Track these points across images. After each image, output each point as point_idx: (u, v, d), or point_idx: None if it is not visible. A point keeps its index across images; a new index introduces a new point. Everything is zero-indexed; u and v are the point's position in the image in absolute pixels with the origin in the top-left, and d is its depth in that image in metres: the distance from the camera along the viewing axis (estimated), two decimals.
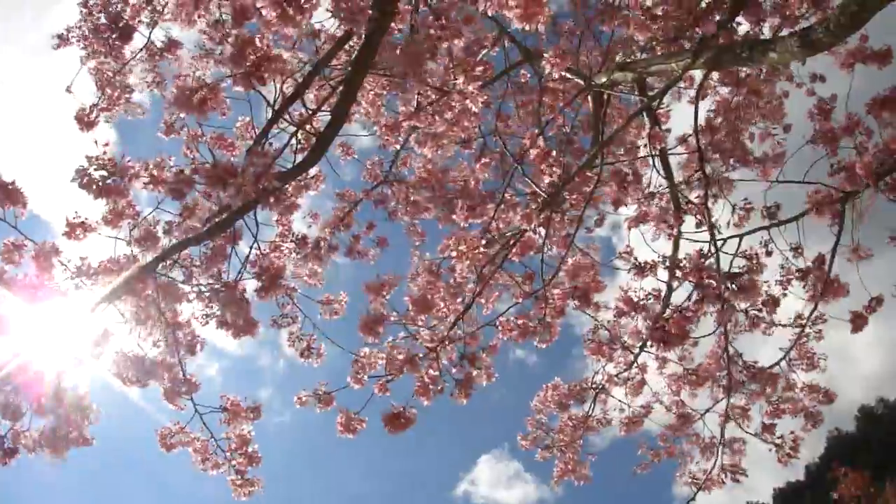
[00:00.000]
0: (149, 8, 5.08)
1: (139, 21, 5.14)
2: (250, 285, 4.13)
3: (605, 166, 5.83)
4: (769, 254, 6.20)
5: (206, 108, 3.39)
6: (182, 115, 5.62)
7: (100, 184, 3.32)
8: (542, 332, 5.85)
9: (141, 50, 5.31)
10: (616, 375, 7.02)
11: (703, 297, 5.59)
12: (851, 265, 6.03)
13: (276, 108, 4.52)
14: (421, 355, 5.41)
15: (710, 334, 6.30)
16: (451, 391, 5.42)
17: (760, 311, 5.77)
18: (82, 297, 3.43)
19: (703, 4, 5.55)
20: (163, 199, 3.50)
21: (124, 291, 3.38)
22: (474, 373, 5.58)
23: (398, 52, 3.59)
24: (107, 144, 3.43)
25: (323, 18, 5.32)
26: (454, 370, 5.49)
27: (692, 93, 7.04)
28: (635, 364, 6.99)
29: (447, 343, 5.54)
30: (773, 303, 5.92)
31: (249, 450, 4.86)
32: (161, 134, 5.74)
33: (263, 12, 3.14)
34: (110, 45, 5.34)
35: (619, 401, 7.18)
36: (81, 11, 5.33)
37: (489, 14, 4.62)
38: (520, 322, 5.84)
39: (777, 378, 6.40)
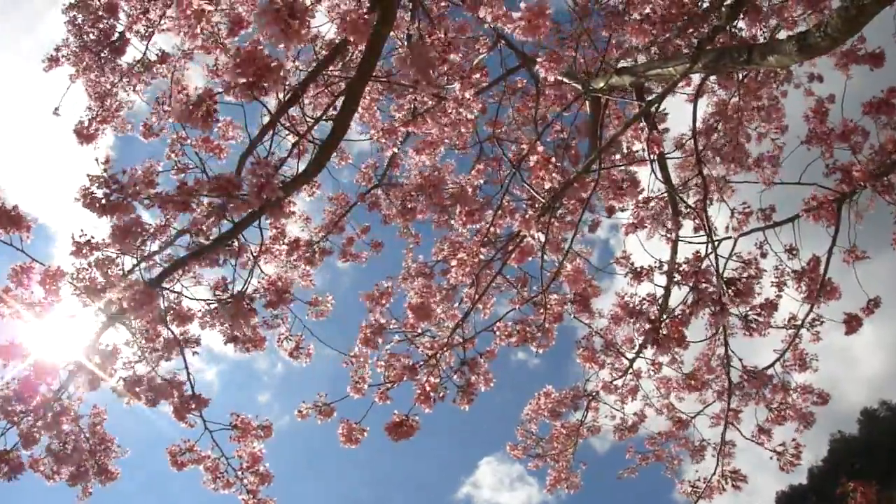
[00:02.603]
0: (144, 20, 5.03)
1: (135, 32, 5.09)
2: (251, 288, 4.09)
3: (602, 171, 5.82)
4: (764, 255, 6.22)
5: (209, 122, 3.33)
6: (170, 121, 5.62)
7: (103, 202, 3.27)
8: (540, 337, 5.83)
9: (136, 63, 5.28)
10: (611, 382, 7.04)
11: (700, 300, 5.59)
12: (848, 267, 6.05)
13: (273, 113, 4.48)
14: (420, 363, 5.38)
15: (707, 339, 6.31)
16: (454, 398, 5.39)
17: (760, 314, 5.76)
18: (89, 315, 3.39)
19: (700, 6, 5.55)
20: (170, 214, 3.45)
21: (131, 307, 3.34)
22: (473, 378, 5.56)
23: (408, 58, 3.55)
24: (107, 161, 3.38)
25: (319, 24, 5.34)
26: (455, 376, 5.47)
27: (689, 91, 7.05)
28: (630, 370, 7.01)
29: (446, 349, 5.51)
30: (770, 306, 5.92)
31: (261, 469, 4.79)
32: (140, 136, 5.71)
33: (265, 30, 3.09)
34: (102, 59, 5.31)
35: (611, 407, 7.21)
36: (69, 29, 5.30)
37: (487, 21, 4.60)
38: (518, 327, 5.83)
39: (771, 380, 6.42)
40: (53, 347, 3.40)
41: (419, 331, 5.82)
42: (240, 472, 4.73)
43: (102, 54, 5.17)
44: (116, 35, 5.14)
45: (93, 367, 3.37)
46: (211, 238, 3.78)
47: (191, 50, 5.73)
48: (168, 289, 3.61)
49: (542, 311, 5.84)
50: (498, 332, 5.85)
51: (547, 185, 5.22)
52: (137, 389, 3.69)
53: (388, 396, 5.37)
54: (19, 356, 3.30)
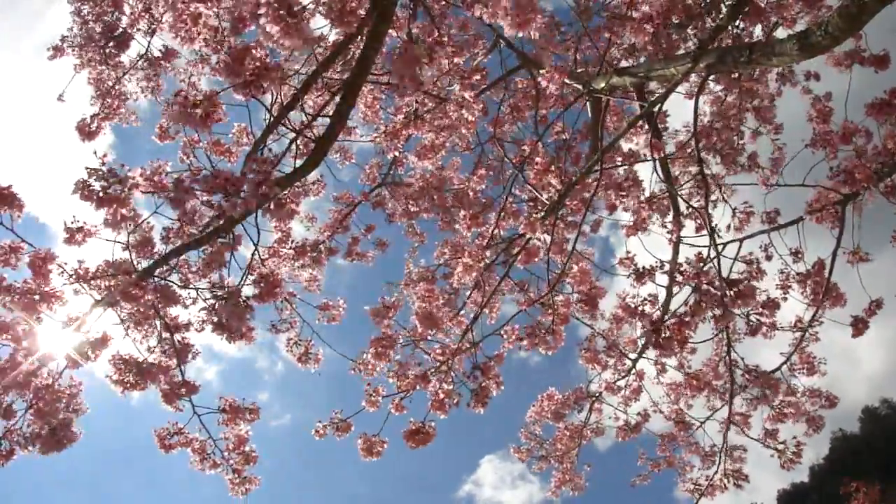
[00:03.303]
0: (146, 17, 5.06)
1: (137, 29, 5.12)
2: (248, 290, 4.11)
3: (604, 172, 5.81)
4: (769, 258, 6.19)
5: (209, 122, 3.34)
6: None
7: (100, 195, 3.28)
8: (549, 339, 5.82)
9: (139, 59, 5.31)
10: (614, 383, 7.02)
11: (702, 302, 5.57)
12: (852, 267, 6.02)
13: (275, 114, 4.49)
14: (432, 370, 5.40)
15: (709, 339, 6.29)
16: (468, 402, 5.40)
17: (761, 314, 5.73)
18: (80, 300, 3.42)
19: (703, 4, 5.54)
20: (161, 203, 3.45)
21: (122, 296, 3.36)
22: (485, 383, 5.56)
23: (394, 57, 3.56)
24: (105, 156, 3.39)
25: (322, 25, 5.36)
26: (468, 381, 5.47)
27: (688, 89, 7.02)
28: (633, 371, 6.99)
29: (456, 356, 5.53)
30: (772, 305, 5.89)
31: (246, 449, 4.88)
32: (155, 139, 5.78)
33: (266, 28, 3.09)
34: (106, 53, 5.35)
35: (615, 408, 7.20)
36: (75, 20, 5.34)
37: (485, 20, 4.59)
38: (526, 331, 5.82)
39: (779, 383, 6.39)
40: (42, 330, 3.43)
41: (427, 338, 5.83)
42: (226, 454, 4.82)
43: (107, 49, 5.22)
44: (120, 30, 5.19)
45: (78, 350, 3.40)
46: (206, 231, 3.79)
47: (208, 55, 5.77)
48: (161, 278, 3.62)
49: (549, 312, 5.84)
50: (505, 336, 5.85)
51: (545, 196, 5.22)
52: (125, 374, 3.72)
53: (404, 407, 5.42)
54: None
